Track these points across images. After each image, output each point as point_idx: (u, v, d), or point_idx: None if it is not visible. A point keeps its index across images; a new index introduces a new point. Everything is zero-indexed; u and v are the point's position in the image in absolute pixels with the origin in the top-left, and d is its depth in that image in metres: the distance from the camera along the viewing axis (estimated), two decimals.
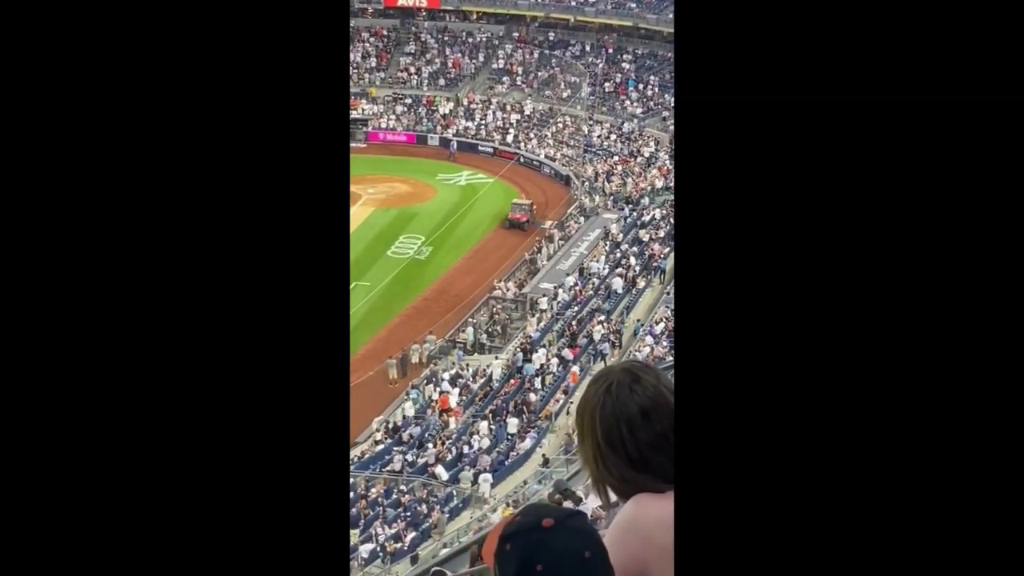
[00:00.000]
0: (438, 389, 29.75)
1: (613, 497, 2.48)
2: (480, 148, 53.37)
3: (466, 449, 26.21)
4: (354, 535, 22.34)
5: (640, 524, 2.30)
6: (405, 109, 56.86)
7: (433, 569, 14.72)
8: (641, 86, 54.51)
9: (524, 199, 45.23)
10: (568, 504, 10.72)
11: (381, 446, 27.37)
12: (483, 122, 55.45)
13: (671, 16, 50.00)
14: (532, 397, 28.21)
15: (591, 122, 53.01)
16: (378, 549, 21.82)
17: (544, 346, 31.02)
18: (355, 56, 58.52)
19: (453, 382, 30.18)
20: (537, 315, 33.99)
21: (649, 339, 30.49)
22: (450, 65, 59.23)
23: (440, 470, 25.24)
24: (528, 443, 26.30)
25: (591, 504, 8.97)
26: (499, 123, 55.17)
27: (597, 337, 31.13)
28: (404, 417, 28.53)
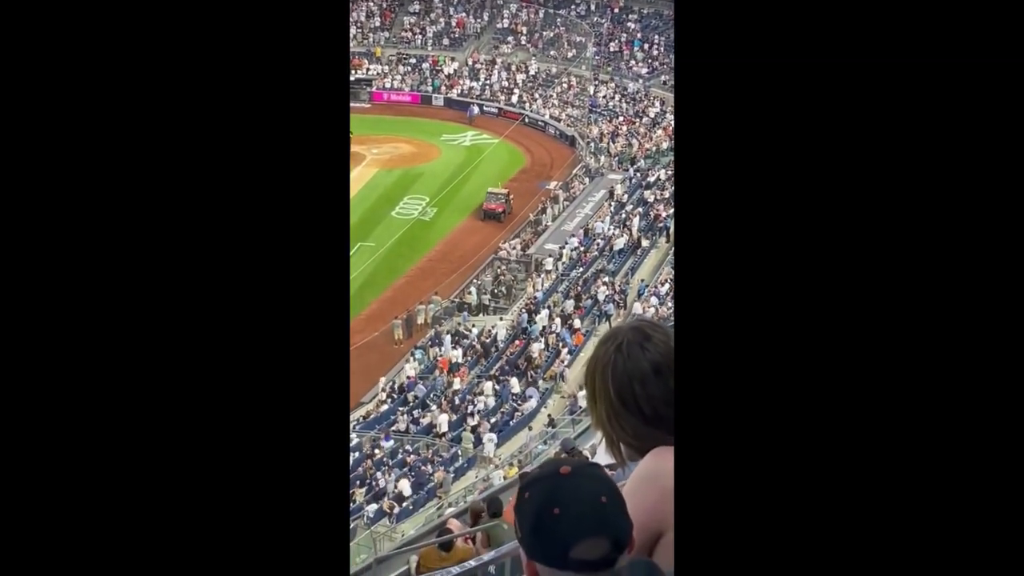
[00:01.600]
0: (443, 350, 29.85)
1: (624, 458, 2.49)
2: (485, 109, 53.14)
3: (471, 409, 26.33)
4: (360, 494, 22.50)
5: (660, 475, 2.30)
6: (409, 69, 56.58)
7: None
8: (647, 46, 54.16)
9: (500, 188, 42.10)
10: None
11: (386, 406, 27.50)
12: (488, 82, 55.18)
13: None
14: (536, 358, 28.28)
15: (596, 82, 52.72)
16: (384, 508, 21.98)
17: (548, 307, 31.06)
18: (359, 15, 58.16)
19: (457, 343, 30.26)
20: (542, 276, 34.00)
21: (654, 299, 30.52)
22: (454, 24, 58.85)
23: (444, 430, 25.39)
24: (533, 403, 26.41)
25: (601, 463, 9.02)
26: (504, 83, 54.90)
27: (602, 297, 31.16)
28: (408, 378, 28.63)
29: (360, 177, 44.39)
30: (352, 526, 21.27)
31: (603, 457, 3.01)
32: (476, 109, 52.25)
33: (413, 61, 56.91)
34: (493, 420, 25.57)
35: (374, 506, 21.99)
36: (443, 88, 55.34)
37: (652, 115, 48.36)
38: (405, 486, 22.50)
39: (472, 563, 7.44)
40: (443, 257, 37.98)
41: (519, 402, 26.54)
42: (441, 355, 29.44)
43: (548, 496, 1.83)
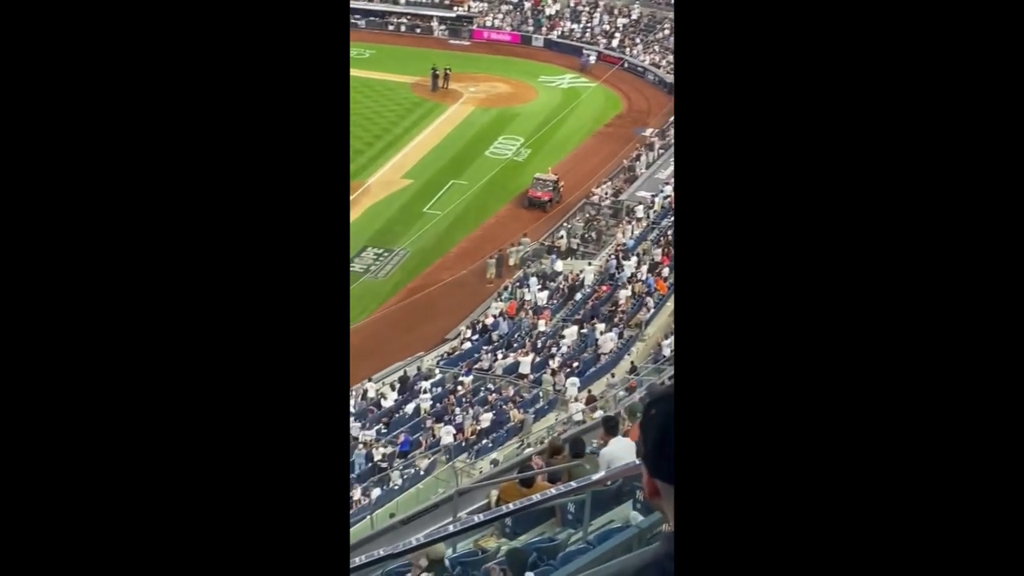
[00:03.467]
0: (529, 291, 29.94)
1: None
2: (584, 51, 52.63)
3: (554, 351, 26.42)
4: (438, 428, 22.80)
5: None
6: (511, 8, 56.19)
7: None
8: None
9: (550, 174, 38.15)
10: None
11: (468, 344, 27.73)
12: (589, 25, 54.59)
13: None
14: (623, 304, 28.21)
15: None
16: (462, 443, 22.26)
17: (637, 254, 30.90)
18: None
19: (544, 285, 30.32)
20: (632, 223, 33.79)
21: None
22: None
23: (526, 371, 25.53)
24: (615, 348, 26.39)
25: None
26: (605, 27, 54.28)
27: None
28: (494, 318, 28.80)
29: (456, 115, 44.44)
30: (431, 459, 21.60)
31: None
32: (592, 58, 51.48)
33: (515, 0, 56.49)
34: (575, 364, 25.61)
35: (449, 438, 22.26)
36: (544, 29, 54.90)
37: None
38: (486, 421, 22.74)
39: (553, 491, 7.49)
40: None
41: (602, 347, 26.54)
42: (510, 299, 29.51)
43: (673, 414, 1.84)
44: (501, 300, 29.91)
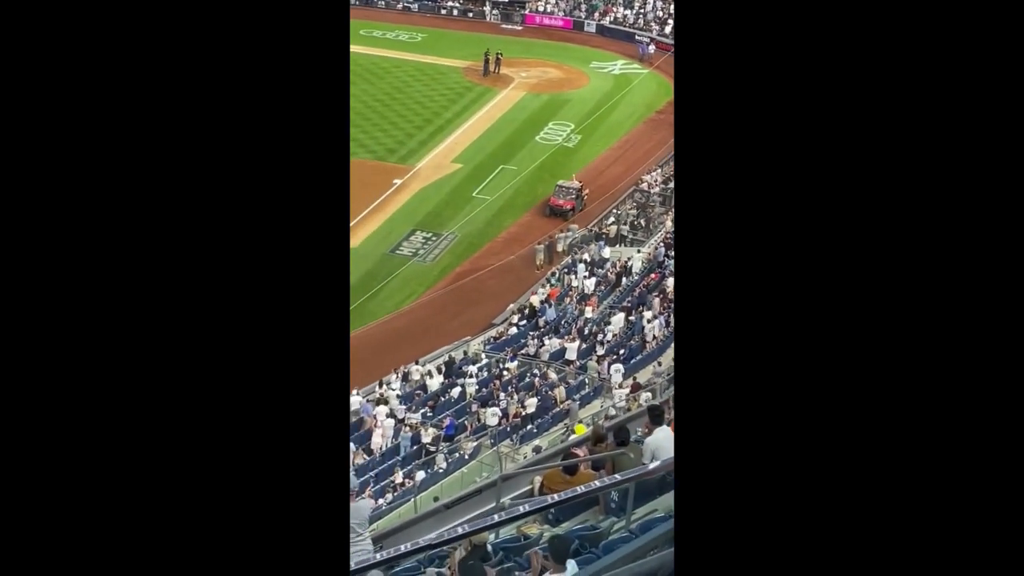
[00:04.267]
0: (576, 278, 29.90)
1: None
2: (637, 38, 52.29)
3: (600, 338, 26.38)
4: (485, 412, 22.86)
5: None
6: None
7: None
8: None
9: (574, 180, 36.30)
10: None
11: (515, 329, 27.75)
12: (642, 11, 54.23)
13: None
14: (671, 292, 28.09)
15: None
16: (507, 428, 22.31)
17: None
18: None
19: (591, 272, 30.26)
20: None
21: None
22: None
23: (572, 357, 25.52)
24: (662, 336, 26.29)
25: None
26: (658, 13, 53.87)
27: None
28: (540, 303, 28.80)
29: (507, 100, 44.39)
30: (476, 444, 21.68)
31: None
32: (651, 47, 50.96)
33: None
34: (621, 351, 25.56)
35: (495, 420, 22.33)
36: (596, 14, 54.62)
37: None
38: (531, 406, 22.77)
39: (596, 483, 7.50)
40: (584, 185, 37.83)
41: (648, 335, 26.46)
42: (556, 285, 29.48)
43: None
44: (548, 286, 29.90)
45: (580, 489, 7.32)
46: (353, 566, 6.19)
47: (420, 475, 20.58)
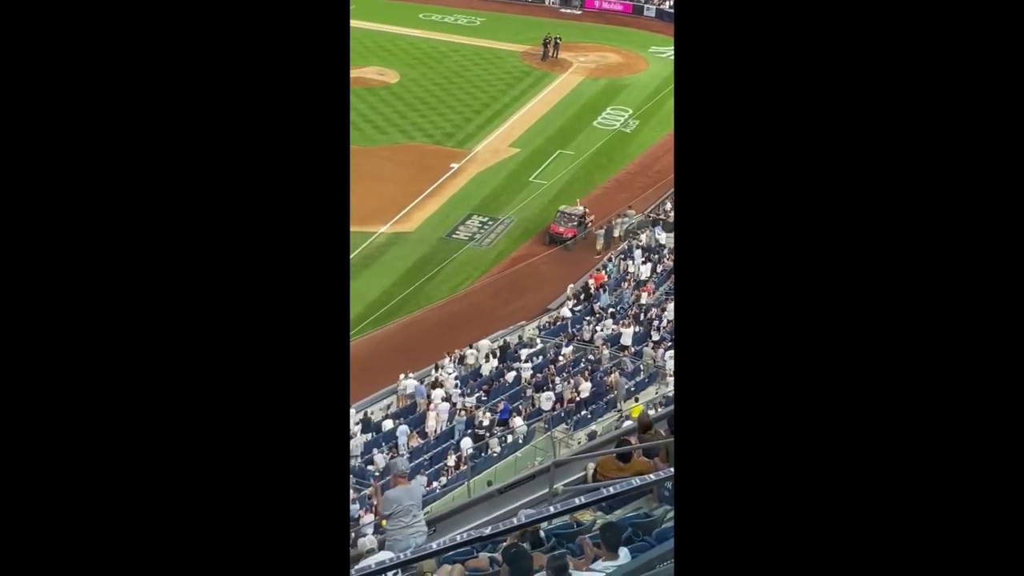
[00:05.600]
0: (633, 263, 29.82)
1: None
2: None
3: (656, 324, 26.30)
4: (538, 398, 22.91)
5: None
6: None
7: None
8: None
9: (577, 206, 33.57)
10: None
11: (570, 314, 27.74)
12: None
13: None
14: None
15: None
16: (561, 413, 22.34)
17: None
18: None
19: (647, 258, 30.15)
20: None
21: None
22: None
23: (628, 343, 25.47)
24: None
25: None
26: None
27: None
28: (594, 289, 28.76)
29: (565, 84, 44.26)
30: (531, 428, 21.73)
31: None
32: None
33: None
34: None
35: (549, 405, 22.37)
36: None
37: None
38: (585, 391, 22.78)
39: (652, 477, 7.49)
40: (641, 171, 37.63)
41: None
42: (612, 271, 29.39)
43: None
44: (604, 271, 29.84)
45: (635, 482, 7.32)
46: (397, 555, 6.25)
47: (471, 455, 20.72)
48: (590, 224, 32.76)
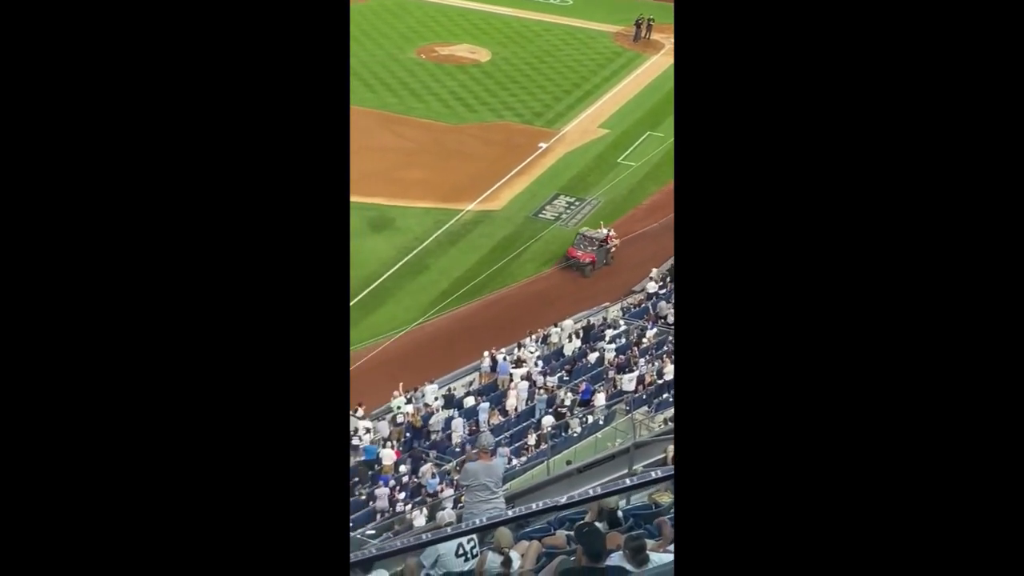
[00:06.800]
0: None
1: None
2: None
3: None
4: (622, 379, 22.87)
5: None
6: None
7: None
8: None
9: (601, 229, 31.00)
10: None
11: (655, 297, 27.61)
12: None
13: None
14: None
15: None
16: (643, 395, 22.27)
17: None
18: None
19: None
20: None
21: None
22: None
23: None
24: None
25: None
26: None
27: None
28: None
29: (656, 66, 43.90)
30: (612, 409, 21.70)
31: None
32: None
33: None
34: None
35: (631, 385, 22.31)
36: None
37: None
38: (668, 374, 22.67)
39: None
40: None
41: None
42: None
43: None
44: None
45: None
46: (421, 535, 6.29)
47: (551, 434, 20.77)
48: (613, 249, 30.43)
